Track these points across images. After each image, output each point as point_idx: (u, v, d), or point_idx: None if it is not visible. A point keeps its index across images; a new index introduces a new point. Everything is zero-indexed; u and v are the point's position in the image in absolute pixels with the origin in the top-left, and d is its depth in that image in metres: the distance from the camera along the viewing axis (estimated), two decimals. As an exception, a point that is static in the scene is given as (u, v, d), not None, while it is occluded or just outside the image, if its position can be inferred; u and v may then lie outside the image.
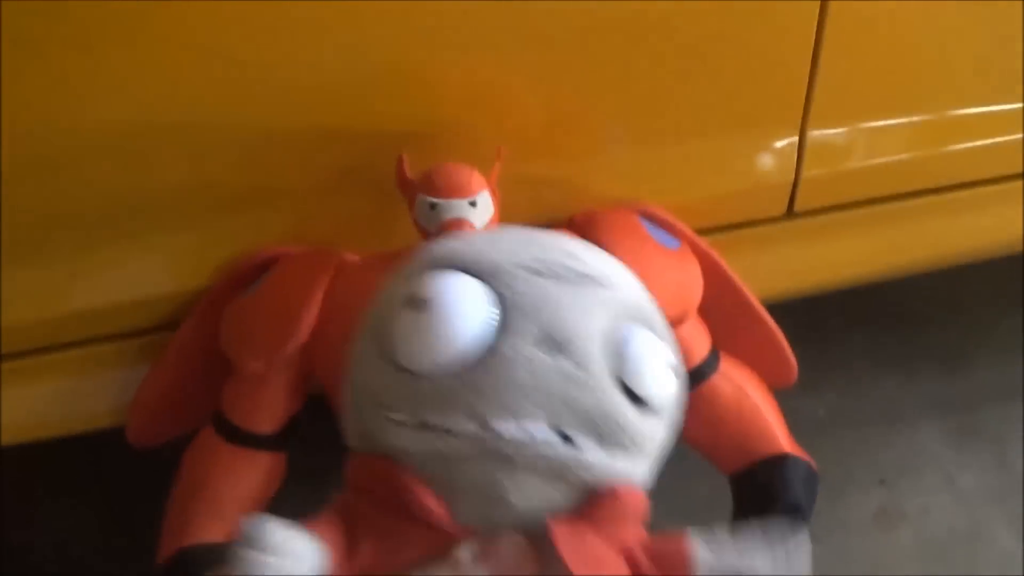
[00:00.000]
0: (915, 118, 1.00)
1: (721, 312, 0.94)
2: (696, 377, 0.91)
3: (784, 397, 0.96)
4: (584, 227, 0.88)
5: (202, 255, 0.90)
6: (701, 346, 0.91)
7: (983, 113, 1.02)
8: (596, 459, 0.43)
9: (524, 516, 0.44)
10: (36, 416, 0.95)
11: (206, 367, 0.91)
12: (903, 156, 1.01)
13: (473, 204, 0.79)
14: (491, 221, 0.80)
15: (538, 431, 0.42)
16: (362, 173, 0.87)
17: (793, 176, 0.98)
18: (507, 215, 0.82)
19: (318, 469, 0.78)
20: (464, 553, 0.43)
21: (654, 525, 1.19)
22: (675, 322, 0.87)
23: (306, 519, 0.44)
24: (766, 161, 0.97)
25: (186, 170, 0.85)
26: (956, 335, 1.43)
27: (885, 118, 0.99)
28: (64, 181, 0.83)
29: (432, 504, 0.42)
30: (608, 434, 0.43)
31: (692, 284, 0.89)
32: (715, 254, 0.93)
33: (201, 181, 0.86)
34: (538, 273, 0.46)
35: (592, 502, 0.44)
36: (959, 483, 1.27)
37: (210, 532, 0.88)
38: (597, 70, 0.87)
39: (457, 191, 0.79)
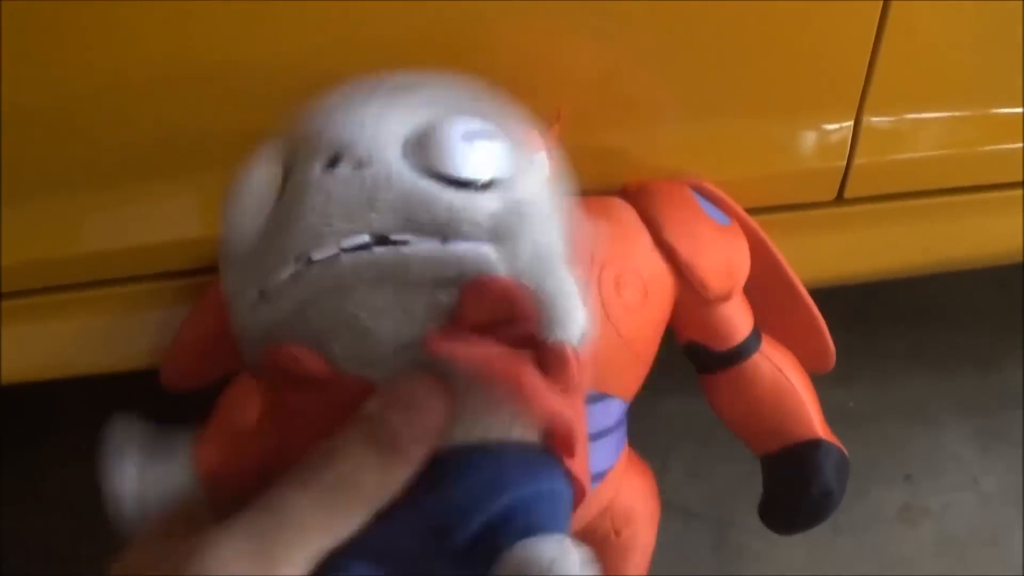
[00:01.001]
0: (973, 113, 0.99)
1: (765, 292, 0.93)
2: (737, 356, 0.91)
3: (814, 388, 0.95)
4: (637, 197, 0.87)
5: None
6: (744, 324, 0.91)
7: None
8: (426, 251, 0.41)
9: (400, 344, 0.42)
10: (70, 353, 0.95)
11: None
12: (958, 150, 1.00)
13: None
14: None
15: (351, 242, 0.41)
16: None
17: (845, 161, 0.97)
18: (560, 180, 0.82)
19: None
20: (368, 405, 0.42)
21: (681, 501, 1.20)
22: (721, 299, 0.87)
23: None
24: (819, 144, 0.96)
25: (230, 110, 0.84)
26: (990, 338, 1.43)
27: (942, 110, 0.98)
28: (104, 117, 0.83)
29: (305, 356, 0.41)
30: (428, 223, 0.42)
31: (741, 261, 0.89)
32: (764, 234, 0.92)
33: (245, 122, 0.84)
34: (341, 101, 0.45)
35: (457, 303, 0.42)
36: (982, 484, 1.27)
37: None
38: (655, 40, 0.86)
39: (515, 150, 0.78)
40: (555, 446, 0.45)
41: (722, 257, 0.87)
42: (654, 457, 0.94)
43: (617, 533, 0.90)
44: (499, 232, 0.44)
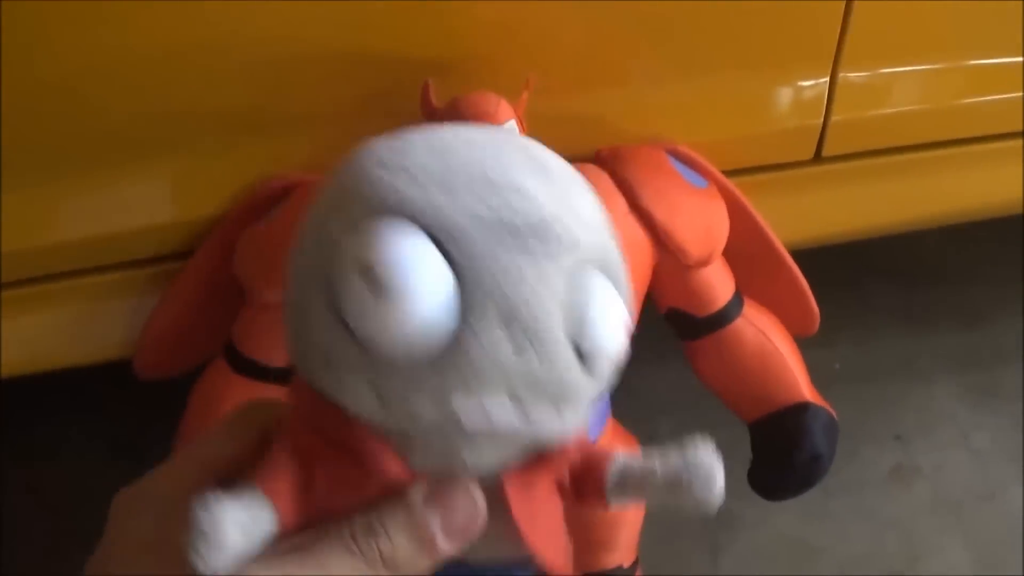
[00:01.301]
0: (951, 65, 0.98)
1: (745, 256, 0.92)
2: (719, 321, 0.89)
3: (800, 349, 0.94)
4: (611, 162, 0.86)
5: (216, 182, 0.88)
6: (725, 289, 0.89)
7: (1022, 64, 0.99)
8: (551, 424, 0.41)
9: (478, 469, 0.42)
10: (40, 347, 0.94)
11: (219, 297, 0.89)
12: (936, 104, 0.99)
13: (499, 133, 0.77)
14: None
15: (497, 410, 0.40)
16: (385, 100, 0.84)
17: (822, 119, 0.96)
18: (532, 148, 0.80)
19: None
20: (416, 495, 0.42)
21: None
22: (701, 263, 0.86)
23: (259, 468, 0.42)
24: (795, 102, 0.95)
25: (200, 93, 0.83)
26: (976, 292, 1.42)
27: (919, 63, 0.97)
28: (71, 103, 0.81)
29: (387, 460, 0.40)
30: (563, 399, 0.41)
31: (719, 225, 0.88)
32: (742, 196, 0.91)
33: (216, 105, 0.84)
34: (492, 228, 0.41)
35: (543, 457, 0.43)
36: (974, 441, 1.27)
37: (219, 466, 0.86)
38: (625, 2, 0.84)
39: (484, 119, 0.77)
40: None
41: (700, 221, 0.85)
42: (640, 428, 0.93)
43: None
44: (598, 396, 0.44)
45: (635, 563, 0.96)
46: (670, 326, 0.91)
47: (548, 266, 0.40)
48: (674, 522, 1.16)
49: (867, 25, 0.91)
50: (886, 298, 1.41)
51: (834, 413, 0.92)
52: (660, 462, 0.43)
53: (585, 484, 0.45)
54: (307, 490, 0.42)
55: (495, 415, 0.40)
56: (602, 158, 0.87)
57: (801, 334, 0.96)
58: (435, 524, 0.42)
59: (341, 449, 0.41)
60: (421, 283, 0.38)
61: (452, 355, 0.39)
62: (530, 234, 0.40)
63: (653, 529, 0.96)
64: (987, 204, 1.08)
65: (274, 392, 0.87)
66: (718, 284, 0.89)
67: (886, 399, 1.29)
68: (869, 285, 1.42)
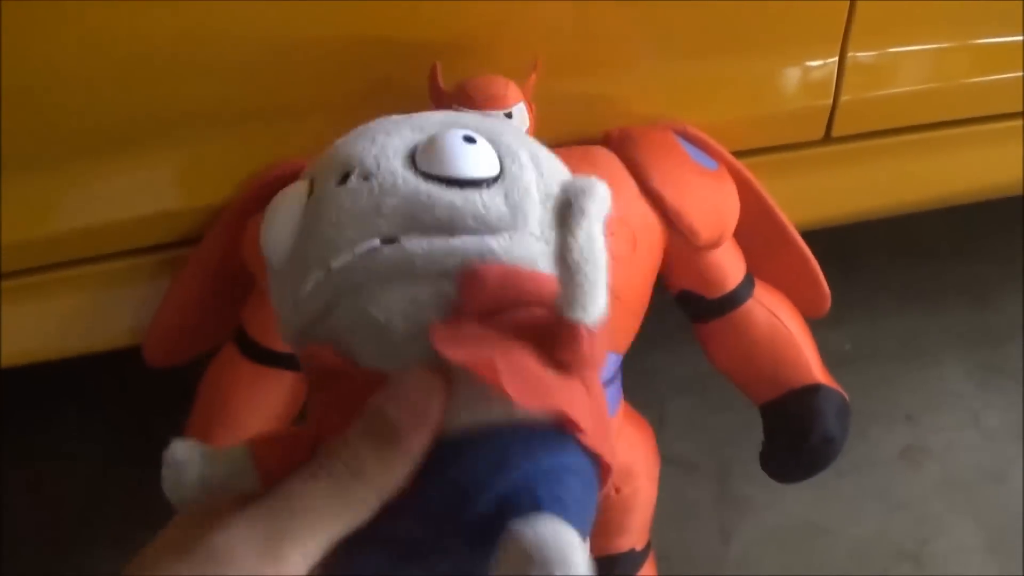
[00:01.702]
0: (959, 44, 0.97)
1: (756, 237, 0.91)
2: (730, 303, 0.89)
3: (810, 331, 0.94)
4: (620, 144, 0.85)
5: (224, 168, 0.87)
6: (736, 271, 0.89)
7: (1032, 42, 0.99)
8: (428, 244, 0.45)
9: (408, 333, 0.44)
10: (48, 336, 0.93)
11: (227, 284, 0.89)
12: (946, 83, 0.99)
13: (509, 116, 0.77)
14: (527, 134, 0.78)
15: (363, 247, 0.45)
16: (392, 85, 0.84)
17: (832, 99, 0.95)
18: (540, 130, 0.80)
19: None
20: (373, 399, 0.43)
21: (680, 453, 1.19)
22: (711, 245, 0.85)
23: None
24: (804, 82, 0.94)
25: (206, 81, 0.82)
26: (984, 272, 1.42)
27: (928, 43, 0.97)
28: (76, 91, 0.81)
29: (326, 353, 0.45)
30: (432, 222, 0.45)
31: (729, 207, 0.87)
32: (752, 177, 0.90)
33: (222, 92, 0.84)
34: (354, 134, 0.51)
35: (459, 291, 0.44)
36: (984, 420, 1.26)
37: (231, 451, 0.86)
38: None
39: (492, 102, 0.76)
40: (564, 427, 0.44)
41: (710, 202, 0.85)
42: (651, 411, 0.93)
43: (617, 490, 0.88)
44: (504, 223, 0.47)
45: (647, 546, 0.96)
46: (681, 308, 0.91)
47: (383, 135, 0.49)
48: (686, 505, 1.16)
49: (875, 5, 0.91)
50: (895, 279, 1.41)
51: (846, 395, 0.91)
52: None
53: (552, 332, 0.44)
54: (304, 439, 0.44)
55: (359, 251, 0.45)
56: (612, 140, 0.86)
57: (812, 315, 0.95)
58: (394, 418, 0.42)
59: (319, 384, 0.46)
60: (278, 206, 0.48)
61: (308, 225, 0.47)
62: (368, 127, 0.51)
63: (664, 512, 0.96)
64: (996, 184, 1.07)
65: (284, 377, 0.87)
66: (729, 266, 0.88)
67: (896, 379, 1.29)
68: (878, 266, 1.42)
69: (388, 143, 0.48)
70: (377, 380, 0.44)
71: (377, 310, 0.45)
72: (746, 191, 0.90)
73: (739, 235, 0.89)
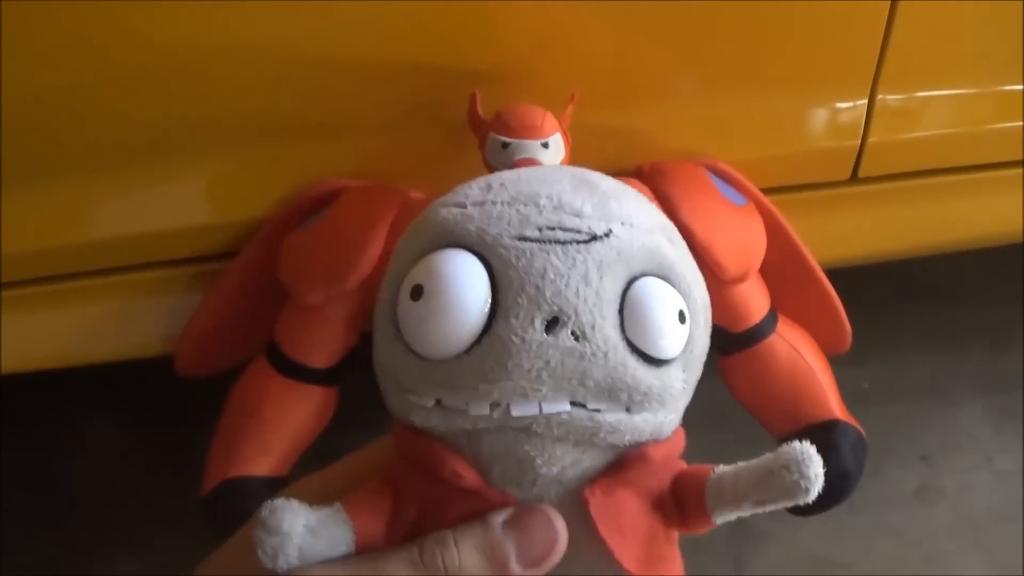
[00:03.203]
0: (988, 90, 0.99)
1: (781, 273, 0.93)
2: (753, 336, 0.90)
3: (830, 367, 0.95)
4: (652, 177, 0.87)
5: (261, 185, 0.89)
6: (760, 305, 0.90)
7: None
8: (618, 421, 0.42)
9: (558, 479, 0.43)
10: (82, 341, 0.95)
11: (262, 298, 0.90)
12: (973, 128, 1.00)
13: (545, 145, 0.78)
14: (562, 164, 0.80)
15: (554, 408, 0.42)
16: (430, 110, 0.86)
17: (860, 140, 0.96)
18: (575, 161, 0.81)
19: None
20: (496, 518, 0.43)
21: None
22: (737, 279, 0.86)
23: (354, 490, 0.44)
24: (833, 123, 0.96)
25: (245, 97, 0.84)
26: (1005, 316, 1.42)
27: (957, 88, 0.98)
28: (121, 101, 0.82)
29: (463, 470, 0.42)
30: (625, 398, 0.42)
31: (757, 242, 0.88)
32: (779, 214, 0.92)
33: (264, 109, 0.85)
34: (537, 242, 0.44)
35: (624, 463, 0.44)
36: (998, 463, 1.27)
37: (256, 465, 0.87)
38: (670, 20, 0.86)
39: (530, 131, 0.78)
40: None
41: (738, 237, 0.86)
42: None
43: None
44: (678, 401, 0.45)
45: None
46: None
47: (592, 261, 0.42)
48: (699, 536, 1.16)
49: (906, 48, 0.92)
50: (916, 319, 1.41)
51: (863, 432, 0.92)
52: (754, 462, 0.44)
53: (686, 500, 0.45)
54: (398, 517, 0.43)
55: (549, 410, 0.42)
56: (643, 173, 0.88)
57: (833, 352, 0.96)
58: (510, 546, 0.42)
59: (425, 471, 0.43)
60: (454, 284, 0.42)
61: (490, 354, 0.41)
62: (573, 239, 0.42)
63: (679, 543, 0.97)
64: (1020, 229, 1.08)
65: (314, 392, 0.88)
66: (753, 300, 0.89)
67: (913, 419, 1.29)
68: (900, 306, 1.42)
69: (602, 295, 0.42)
70: (500, 501, 0.43)
71: (541, 461, 0.43)
72: (773, 228, 0.91)
73: (764, 270, 0.91)
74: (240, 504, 0.86)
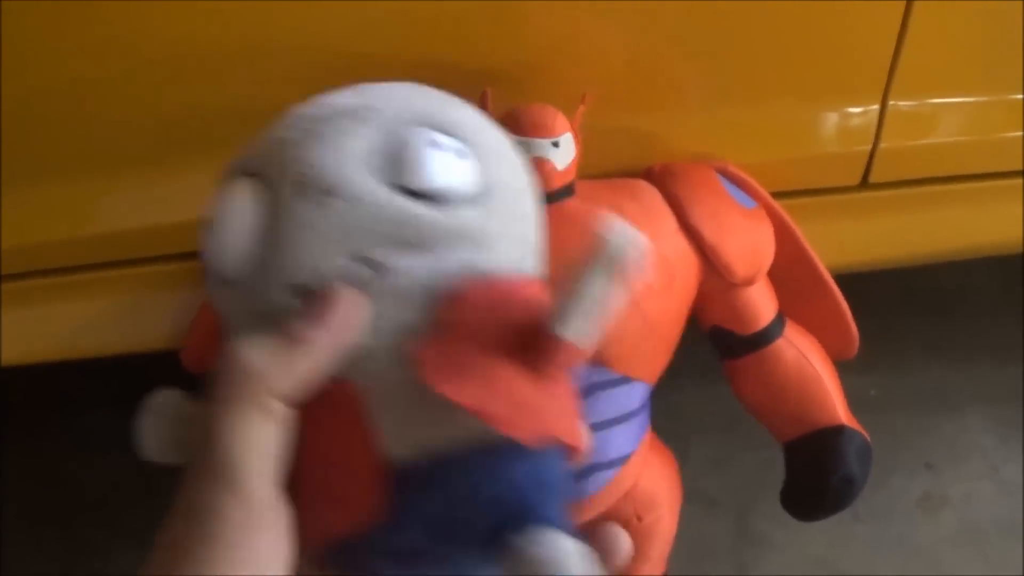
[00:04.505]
0: (1000, 98, 0.98)
1: (789, 277, 0.92)
2: (761, 340, 0.90)
3: (837, 373, 0.95)
4: (661, 179, 0.87)
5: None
6: (768, 310, 0.90)
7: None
8: (409, 265, 0.43)
9: (387, 348, 0.43)
10: (91, 335, 0.95)
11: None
12: (984, 136, 0.99)
13: (556, 145, 0.78)
14: (572, 164, 0.80)
15: (337, 271, 0.42)
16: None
17: (871, 146, 0.96)
18: (585, 162, 0.81)
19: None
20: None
21: (701, 489, 1.20)
22: (746, 283, 0.86)
23: None
24: (844, 128, 0.95)
25: (254, 91, 0.84)
26: (1013, 327, 1.42)
27: (969, 95, 0.98)
28: (126, 96, 0.82)
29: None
30: (408, 239, 0.42)
31: (765, 246, 0.88)
32: (789, 219, 0.91)
33: (272, 103, 0.84)
34: (286, 140, 0.46)
35: (442, 310, 0.43)
36: (1003, 473, 1.27)
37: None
38: (682, 24, 0.86)
39: (541, 130, 0.78)
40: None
41: (747, 241, 0.86)
42: (676, 444, 0.94)
43: (639, 518, 0.89)
44: (485, 238, 0.45)
45: (664, 577, 0.97)
46: (712, 343, 0.92)
47: (347, 126, 0.44)
48: (704, 541, 1.17)
49: (919, 55, 0.92)
50: (924, 328, 1.41)
51: (868, 438, 0.92)
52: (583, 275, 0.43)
53: (535, 338, 0.44)
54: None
55: (332, 274, 0.42)
56: (654, 174, 0.88)
57: (840, 358, 0.96)
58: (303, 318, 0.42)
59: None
60: (229, 211, 0.44)
61: (272, 246, 0.43)
62: (317, 122, 0.46)
63: (683, 547, 0.97)
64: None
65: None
66: (761, 304, 0.89)
67: (918, 428, 1.30)
68: (908, 314, 1.43)
69: (347, 147, 0.44)
70: (344, 390, 0.43)
71: (366, 333, 0.43)
72: (782, 232, 0.91)
73: (773, 274, 0.90)
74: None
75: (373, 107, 0.46)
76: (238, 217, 0.44)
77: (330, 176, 0.43)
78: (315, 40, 0.81)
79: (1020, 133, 1.01)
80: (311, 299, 0.42)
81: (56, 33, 0.77)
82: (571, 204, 0.81)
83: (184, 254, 0.93)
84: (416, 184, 0.43)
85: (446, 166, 0.44)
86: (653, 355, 0.83)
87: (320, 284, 0.43)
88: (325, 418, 0.44)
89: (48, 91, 0.80)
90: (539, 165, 0.77)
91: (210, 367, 0.92)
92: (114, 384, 1.24)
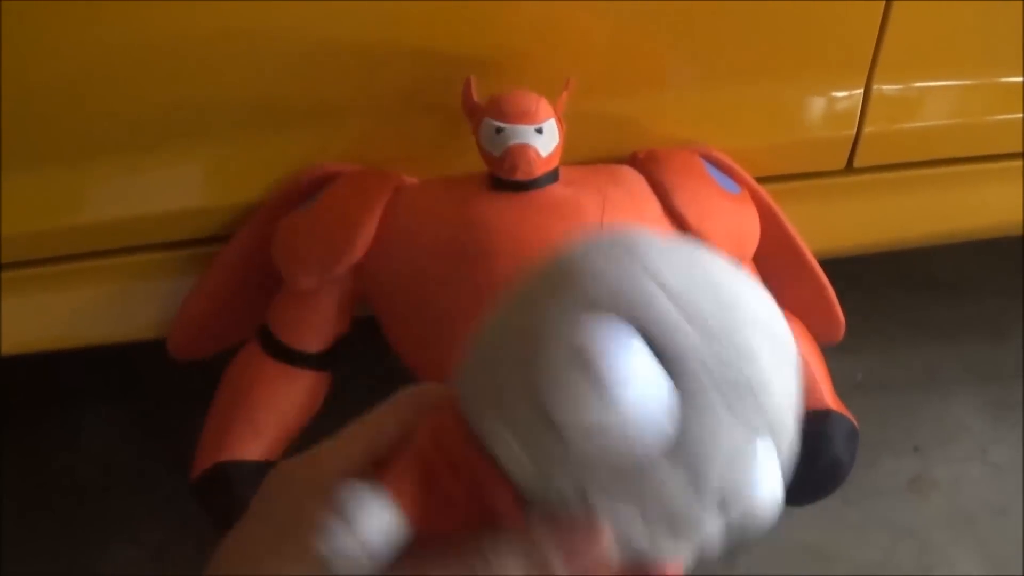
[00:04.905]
0: (984, 81, 0.98)
1: (774, 262, 0.93)
2: (746, 325, 0.90)
3: (823, 358, 0.95)
4: (646, 165, 0.87)
5: (256, 168, 0.89)
6: (753, 294, 0.90)
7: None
8: (663, 551, 0.42)
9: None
10: (80, 324, 0.95)
11: (255, 282, 0.90)
12: (968, 119, 1.00)
13: (539, 131, 0.78)
14: (555, 150, 0.80)
15: (624, 523, 0.40)
16: (425, 96, 0.86)
17: (855, 130, 0.96)
18: (569, 148, 0.82)
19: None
20: (533, 524, 0.40)
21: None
22: (731, 267, 0.86)
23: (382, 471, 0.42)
24: (829, 113, 0.95)
25: (240, 82, 0.84)
26: (999, 307, 1.42)
27: (953, 79, 0.98)
28: (117, 87, 0.83)
29: (505, 499, 0.40)
30: (683, 535, 0.41)
31: (750, 231, 0.88)
32: (773, 203, 0.92)
33: (259, 93, 0.85)
34: (714, 379, 0.41)
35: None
36: (992, 455, 1.26)
37: (247, 448, 0.88)
38: (666, 8, 0.86)
39: (524, 117, 0.78)
40: None
41: (731, 225, 0.86)
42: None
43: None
44: None
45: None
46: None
47: (737, 426, 0.41)
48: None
49: (902, 39, 0.92)
50: (910, 310, 1.41)
51: (856, 422, 0.92)
52: None
53: None
54: (420, 513, 0.42)
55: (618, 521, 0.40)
56: (638, 160, 0.88)
57: (826, 342, 0.97)
58: (549, 548, 0.41)
59: (459, 473, 0.41)
60: (641, 396, 0.38)
61: (623, 473, 0.39)
62: (740, 395, 0.40)
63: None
64: (1016, 220, 1.08)
65: (305, 376, 0.89)
66: (747, 289, 0.89)
67: (907, 410, 1.29)
68: (894, 296, 1.42)
69: (718, 444, 0.40)
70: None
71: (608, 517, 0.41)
72: (767, 216, 0.91)
73: (758, 259, 0.91)
74: (230, 487, 0.87)
75: (763, 396, 0.41)
76: (646, 416, 0.39)
77: (703, 468, 0.40)
78: (297, 29, 0.81)
79: (1004, 116, 1.01)
80: (563, 534, 0.41)
81: (48, 24, 0.77)
82: (555, 190, 0.81)
83: (170, 243, 0.93)
84: (734, 510, 0.41)
85: (768, 504, 0.42)
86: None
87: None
88: (488, 500, 0.42)
89: (39, 83, 0.80)
90: (522, 151, 0.77)
91: (196, 355, 0.92)
92: (113, 380, 1.24)
